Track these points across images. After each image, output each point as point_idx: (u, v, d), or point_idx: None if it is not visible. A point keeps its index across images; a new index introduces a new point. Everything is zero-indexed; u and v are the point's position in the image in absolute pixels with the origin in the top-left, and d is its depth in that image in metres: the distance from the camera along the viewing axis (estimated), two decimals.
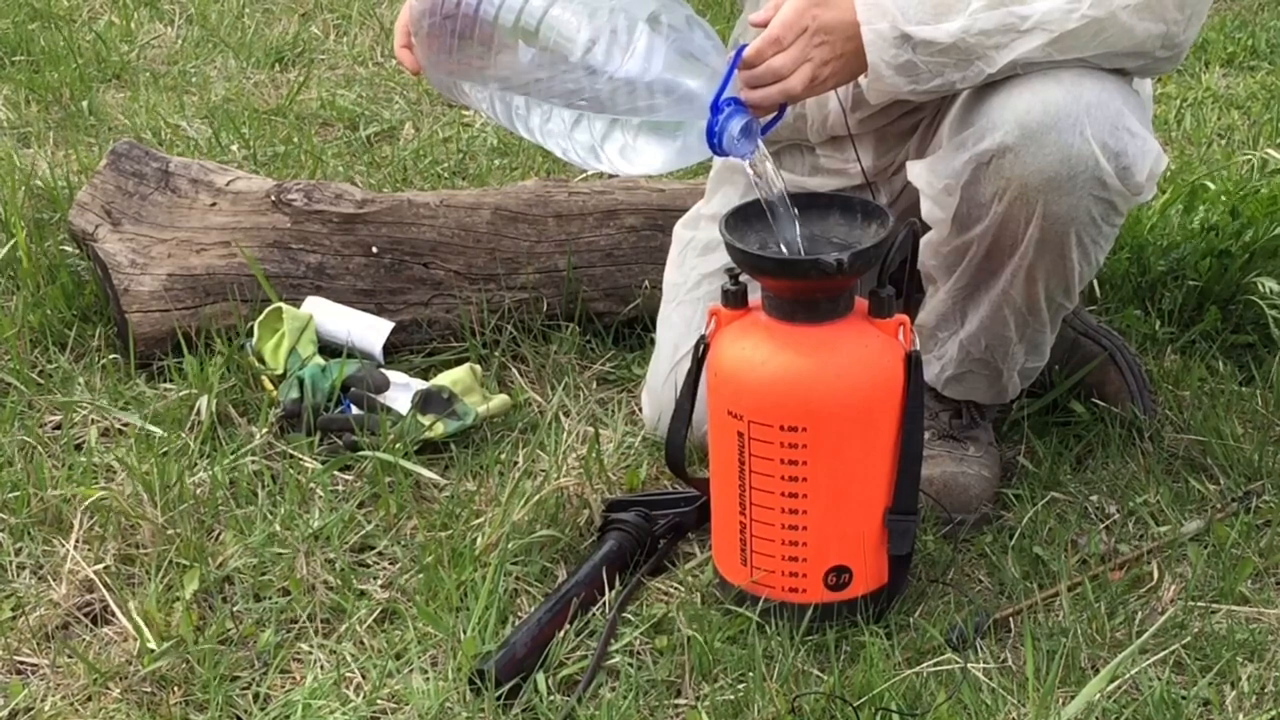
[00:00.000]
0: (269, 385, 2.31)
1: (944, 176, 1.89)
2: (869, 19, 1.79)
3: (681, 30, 1.72)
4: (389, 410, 2.23)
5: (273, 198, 2.48)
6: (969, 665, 1.77)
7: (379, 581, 1.96)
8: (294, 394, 2.25)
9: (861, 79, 1.85)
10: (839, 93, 2.05)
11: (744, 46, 1.76)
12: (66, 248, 2.67)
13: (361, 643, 1.85)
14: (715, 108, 1.71)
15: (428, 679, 1.78)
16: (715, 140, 1.73)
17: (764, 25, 1.78)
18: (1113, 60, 1.85)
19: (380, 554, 2.01)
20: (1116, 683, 1.75)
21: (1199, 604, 1.89)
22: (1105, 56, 1.84)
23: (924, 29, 1.80)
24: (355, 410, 2.24)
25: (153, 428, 2.22)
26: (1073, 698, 1.71)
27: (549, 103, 1.78)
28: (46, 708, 1.76)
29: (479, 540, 1.97)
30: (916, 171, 1.94)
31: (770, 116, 1.81)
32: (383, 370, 2.33)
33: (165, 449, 2.16)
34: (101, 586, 1.93)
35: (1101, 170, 1.81)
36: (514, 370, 2.41)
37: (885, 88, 1.83)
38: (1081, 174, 1.80)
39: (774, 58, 1.77)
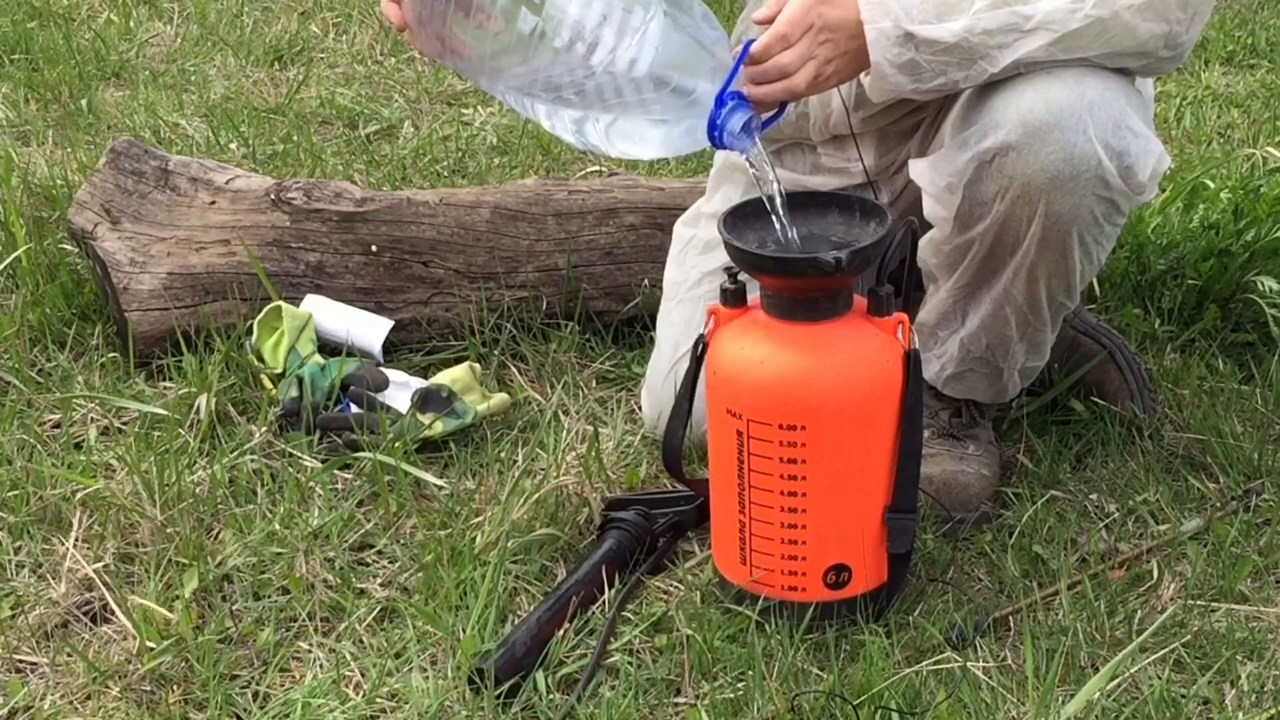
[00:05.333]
0: (268, 384, 2.31)
1: (946, 175, 1.89)
2: (872, 17, 1.79)
3: (694, 19, 1.72)
4: (388, 409, 2.23)
5: (272, 196, 2.48)
6: (969, 664, 1.77)
7: (378, 580, 1.96)
8: (293, 392, 2.24)
9: (864, 77, 1.85)
10: (842, 91, 2.05)
11: (751, 41, 1.76)
12: (66, 246, 2.67)
13: (361, 641, 1.85)
14: (719, 101, 1.71)
15: (427, 678, 1.78)
16: (716, 133, 1.72)
17: (767, 22, 1.78)
18: (1116, 60, 1.85)
19: (380, 553, 2.01)
20: (1116, 681, 1.75)
21: (1199, 602, 1.89)
22: (1108, 56, 1.84)
23: (927, 28, 1.80)
24: (354, 409, 2.24)
25: (158, 410, 2.22)
26: (1072, 696, 1.71)
27: (541, 96, 1.76)
28: (46, 706, 1.76)
29: (478, 539, 1.97)
30: (919, 169, 1.94)
31: (770, 113, 1.80)
32: (382, 369, 2.33)
33: (165, 447, 2.15)
34: (101, 585, 1.93)
35: (1104, 169, 1.81)
36: (513, 369, 2.41)
37: (888, 86, 1.84)
38: (1084, 173, 1.80)
39: (780, 54, 1.77)
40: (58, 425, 2.28)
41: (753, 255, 1.76)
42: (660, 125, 1.75)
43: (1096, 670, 1.76)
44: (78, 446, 2.22)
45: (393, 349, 2.43)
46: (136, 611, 1.86)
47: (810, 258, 1.72)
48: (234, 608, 1.90)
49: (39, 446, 2.19)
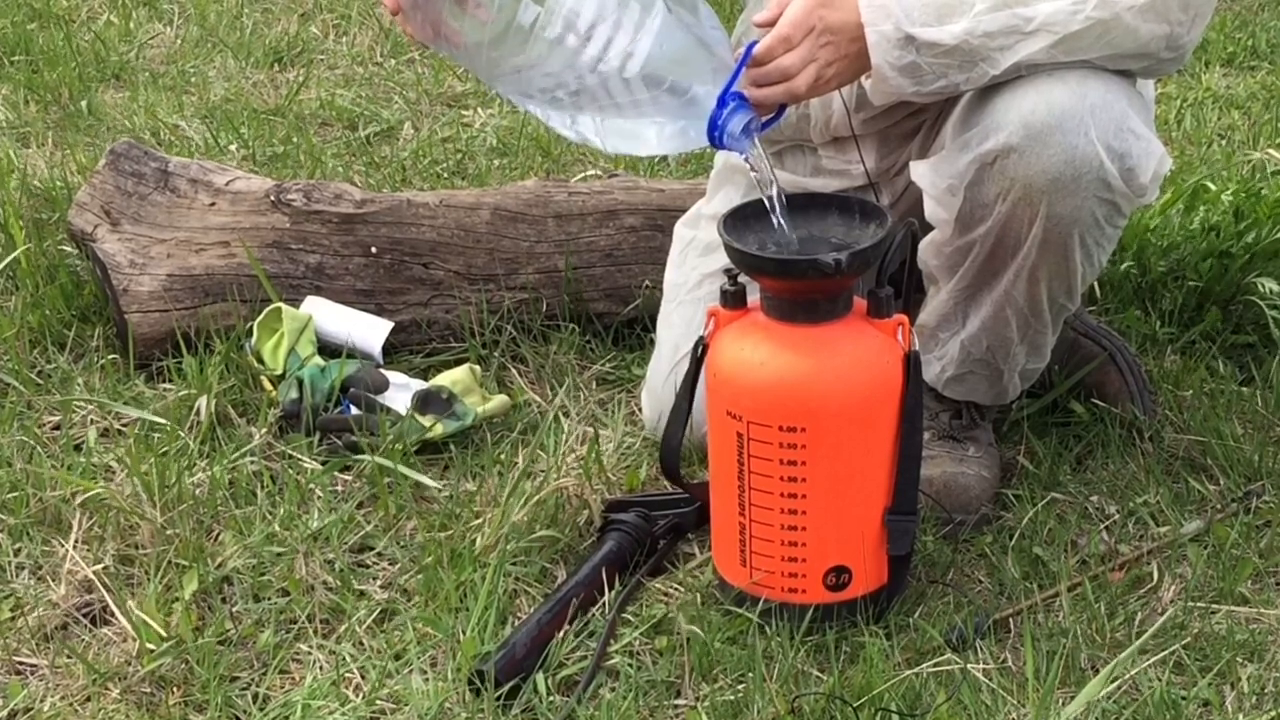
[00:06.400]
0: (268, 386, 2.31)
1: (947, 176, 1.89)
2: (873, 20, 1.79)
3: (697, 18, 1.71)
4: (388, 411, 2.23)
5: (272, 198, 2.48)
6: (969, 666, 1.77)
7: (378, 582, 1.96)
8: (293, 394, 2.24)
9: (865, 80, 1.85)
10: (843, 93, 2.04)
11: (754, 43, 1.76)
12: (65, 248, 2.67)
13: (361, 643, 1.85)
14: (721, 101, 1.71)
15: (427, 679, 1.78)
16: (716, 134, 1.72)
17: (768, 25, 1.78)
18: (1117, 62, 1.85)
19: (379, 554, 2.01)
20: (1116, 683, 1.75)
21: (1199, 604, 1.89)
22: (1110, 58, 1.84)
23: (928, 31, 1.80)
24: (354, 411, 2.24)
25: (155, 418, 2.22)
26: (1072, 698, 1.71)
27: (536, 95, 1.75)
28: (46, 708, 1.76)
29: (478, 541, 1.97)
30: (920, 171, 1.94)
31: (769, 116, 1.80)
32: (382, 370, 2.33)
33: (164, 449, 2.15)
34: (101, 587, 1.93)
35: (1106, 171, 1.81)
36: (513, 370, 2.41)
37: (889, 89, 1.84)
38: (1086, 175, 1.80)
39: (783, 56, 1.77)
40: (58, 427, 2.28)
41: (752, 257, 1.76)
42: (656, 124, 1.75)
43: (1097, 672, 1.76)
44: (78, 448, 2.22)
45: (393, 351, 2.43)
46: (136, 613, 1.86)
47: (810, 259, 1.72)
48: (234, 609, 1.90)
49: (39, 448, 2.19)
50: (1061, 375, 2.25)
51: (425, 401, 2.23)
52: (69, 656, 1.83)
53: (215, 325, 2.40)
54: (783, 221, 1.78)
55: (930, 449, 2.02)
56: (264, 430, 2.22)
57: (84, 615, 1.90)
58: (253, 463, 2.15)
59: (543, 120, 1.80)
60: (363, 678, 1.79)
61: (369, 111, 3.46)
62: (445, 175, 3.12)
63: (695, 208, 2.31)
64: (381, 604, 1.90)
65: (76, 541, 2.00)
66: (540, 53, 1.70)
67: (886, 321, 1.79)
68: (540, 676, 1.75)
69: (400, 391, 2.29)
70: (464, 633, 1.81)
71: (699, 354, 1.86)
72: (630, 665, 1.79)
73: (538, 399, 2.35)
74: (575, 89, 1.72)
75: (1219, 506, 2.07)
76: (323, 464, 2.16)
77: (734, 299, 1.83)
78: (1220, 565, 1.95)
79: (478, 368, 2.33)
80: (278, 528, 2.02)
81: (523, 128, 3.29)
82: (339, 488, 2.14)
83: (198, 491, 2.09)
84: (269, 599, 1.91)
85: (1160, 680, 1.76)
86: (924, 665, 1.78)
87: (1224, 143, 3.27)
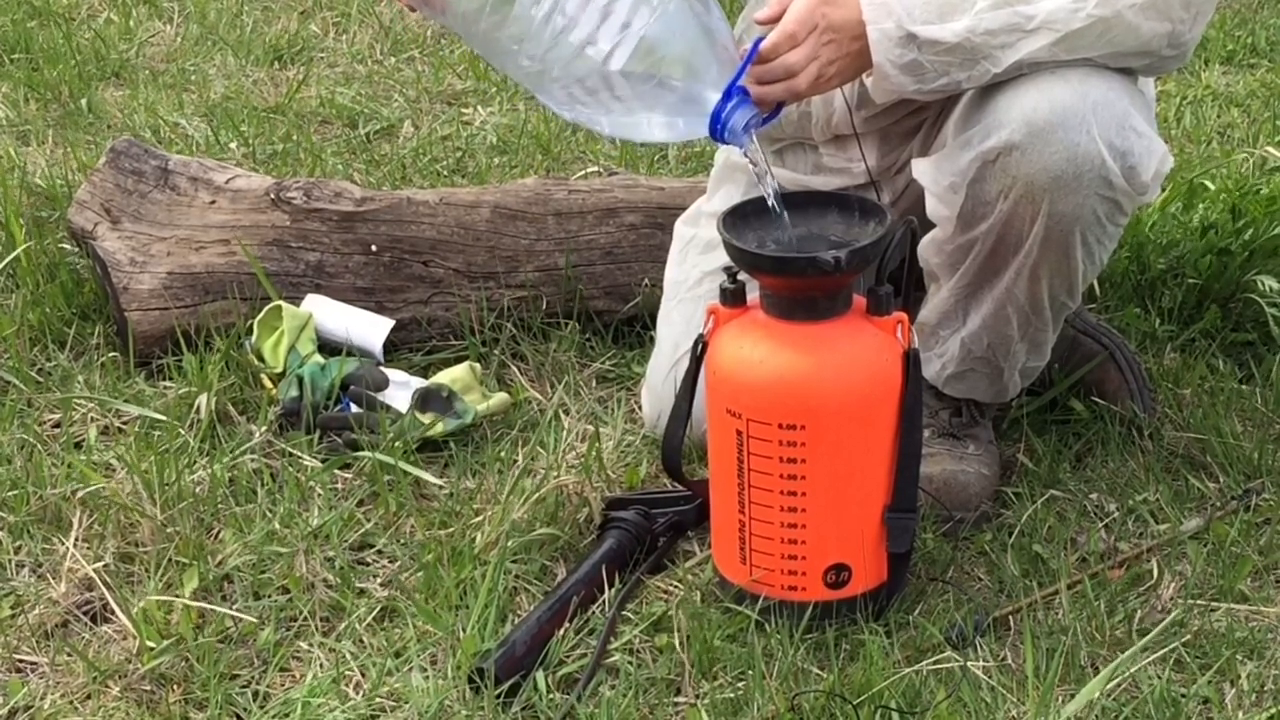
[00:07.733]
0: (268, 383, 2.31)
1: (949, 174, 1.89)
2: (875, 18, 1.79)
3: (708, 10, 1.71)
4: (388, 408, 2.23)
5: (272, 196, 2.48)
6: (968, 663, 1.77)
7: (378, 580, 1.96)
8: (293, 392, 2.24)
9: (866, 78, 1.85)
10: (844, 91, 2.04)
11: (760, 39, 1.76)
12: (65, 246, 2.67)
13: (361, 641, 1.85)
14: (727, 94, 1.71)
15: (427, 677, 1.78)
16: (719, 127, 1.72)
17: (770, 22, 1.79)
18: (1119, 60, 1.85)
19: (380, 552, 2.01)
20: (1116, 681, 1.75)
21: (1199, 602, 1.89)
22: (1111, 56, 1.84)
23: (929, 29, 1.80)
24: (355, 408, 2.24)
25: (155, 415, 2.22)
26: (1072, 696, 1.71)
27: (532, 69, 1.74)
28: (46, 706, 1.76)
29: (478, 538, 1.97)
30: (922, 169, 1.94)
31: (768, 113, 1.80)
32: (382, 368, 2.33)
33: (165, 447, 2.15)
34: (101, 585, 1.93)
35: (1108, 169, 1.81)
36: (514, 368, 2.41)
37: (891, 87, 1.84)
38: (1088, 173, 1.81)
39: (788, 53, 1.77)
40: (58, 425, 2.28)
41: (752, 255, 1.76)
42: (653, 112, 1.75)
43: (1096, 670, 1.76)
44: (78, 446, 2.22)
45: (393, 348, 2.43)
46: (137, 611, 1.86)
47: (809, 257, 1.72)
48: (234, 607, 1.90)
49: (39, 446, 2.19)
50: (1061, 373, 2.25)
51: (425, 399, 2.23)
52: (69, 654, 1.83)
53: (215, 323, 2.40)
54: (781, 211, 1.78)
55: (930, 446, 2.02)
56: (264, 428, 2.22)
57: (84, 613, 1.90)
58: (253, 460, 2.16)
59: (543, 100, 1.79)
60: (363, 675, 1.79)
61: (369, 109, 3.46)
62: (445, 173, 3.11)
63: (695, 205, 2.31)
64: (381, 602, 1.90)
65: (77, 539, 2.00)
66: (531, 29, 1.70)
67: (886, 319, 1.79)
68: (540, 674, 1.75)
69: (400, 389, 2.29)
70: (464, 630, 1.82)
71: (699, 352, 1.86)
72: (630, 663, 1.79)
73: (538, 397, 2.35)
74: (567, 74, 1.71)
75: (1218, 504, 2.07)
76: (323, 462, 2.16)
77: (733, 297, 1.83)
78: (1220, 563, 1.95)
79: (478, 365, 2.34)
80: (278, 525, 2.02)
81: (523, 126, 3.29)
82: (339, 485, 2.14)
83: (198, 489, 2.09)
84: (269, 597, 1.91)
85: (1160, 678, 1.76)
86: (924, 663, 1.78)
87: (1223, 140, 3.27)
